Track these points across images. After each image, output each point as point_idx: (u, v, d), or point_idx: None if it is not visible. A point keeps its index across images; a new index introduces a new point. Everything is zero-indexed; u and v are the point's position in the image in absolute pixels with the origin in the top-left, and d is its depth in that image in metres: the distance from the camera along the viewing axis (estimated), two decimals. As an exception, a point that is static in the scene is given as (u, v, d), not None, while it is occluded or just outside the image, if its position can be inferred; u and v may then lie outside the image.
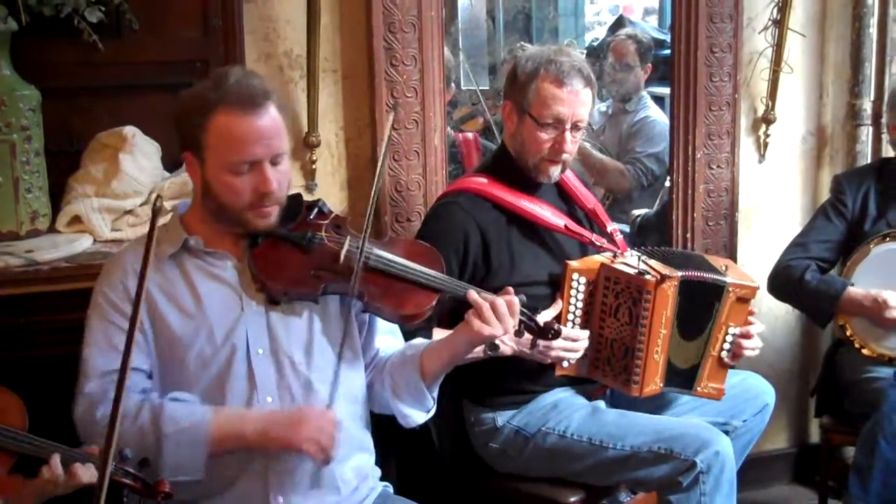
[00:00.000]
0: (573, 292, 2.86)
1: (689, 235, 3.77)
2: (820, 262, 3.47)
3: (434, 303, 2.44)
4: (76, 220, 2.95)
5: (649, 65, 5.13)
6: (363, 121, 3.34)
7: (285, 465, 2.32)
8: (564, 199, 3.07)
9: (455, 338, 2.48)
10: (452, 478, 3.10)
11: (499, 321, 2.40)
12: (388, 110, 3.25)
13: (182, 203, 2.49)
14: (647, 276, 2.80)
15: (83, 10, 2.84)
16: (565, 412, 2.90)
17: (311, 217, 2.45)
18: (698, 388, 2.96)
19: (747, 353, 2.96)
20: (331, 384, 2.32)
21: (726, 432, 2.90)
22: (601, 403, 2.98)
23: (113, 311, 2.30)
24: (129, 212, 3.00)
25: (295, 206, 2.41)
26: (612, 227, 3.05)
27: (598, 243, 2.95)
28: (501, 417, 2.93)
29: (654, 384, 2.88)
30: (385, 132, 2.48)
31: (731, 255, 3.78)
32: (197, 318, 2.32)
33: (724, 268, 2.96)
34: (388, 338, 2.59)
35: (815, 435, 4.14)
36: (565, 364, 2.87)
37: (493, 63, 7.03)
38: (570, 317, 2.86)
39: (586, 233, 2.97)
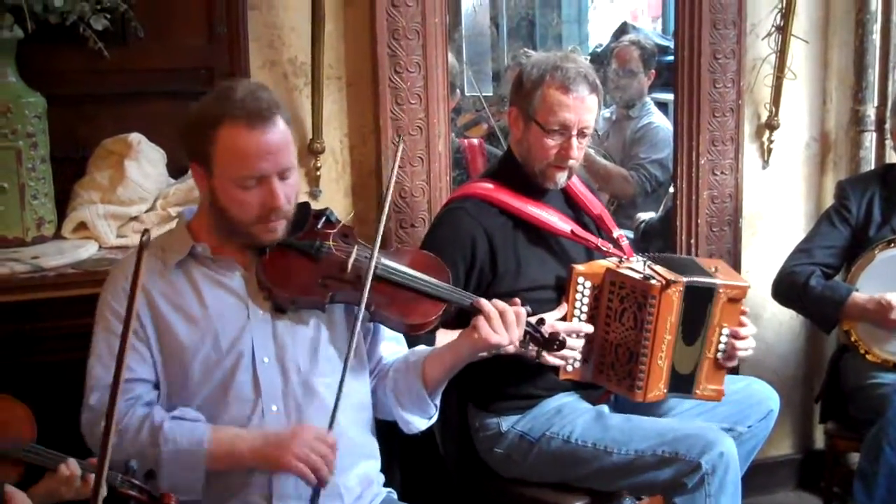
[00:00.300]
0: (578, 296, 2.86)
1: (692, 241, 3.77)
2: (824, 267, 3.47)
3: (440, 313, 2.45)
4: (82, 226, 2.96)
5: (653, 71, 5.13)
6: (367, 127, 3.34)
7: (289, 478, 2.31)
8: (570, 204, 3.08)
9: (459, 344, 2.48)
10: (456, 483, 3.10)
11: (506, 331, 2.41)
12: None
13: (188, 209, 2.49)
14: (653, 282, 2.80)
15: (89, 18, 2.85)
16: (569, 417, 2.90)
17: (319, 226, 2.45)
18: (697, 391, 2.96)
19: (740, 353, 2.96)
20: (335, 396, 2.30)
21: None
22: (605, 408, 2.98)
23: (116, 321, 2.30)
24: (135, 218, 3.01)
25: (302, 214, 2.42)
26: (618, 232, 3.06)
27: (604, 248, 2.95)
28: (506, 422, 2.93)
29: (657, 390, 2.88)
30: (393, 166, 2.48)
31: (735, 261, 3.79)
32: (202, 325, 2.32)
33: (713, 269, 2.96)
34: (392, 344, 2.60)
35: (819, 441, 4.14)
36: (569, 368, 2.88)
37: (497, 69, 7.03)
38: (575, 321, 2.86)
39: (592, 238, 2.97)
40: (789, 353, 4.08)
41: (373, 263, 2.35)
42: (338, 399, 2.29)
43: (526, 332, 2.48)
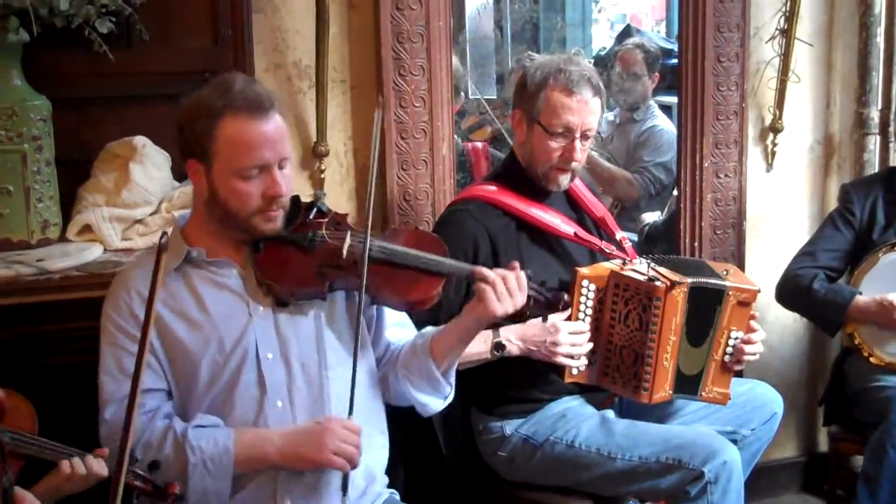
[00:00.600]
0: (583, 299, 2.86)
1: (696, 244, 3.77)
2: (828, 271, 3.47)
3: (441, 287, 2.44)
4: (86, 229, 2.96)
5: (657, 74, 5.15)
6: (371, 131, 3.34)
7: (296, 473, 2.32)
8: (573, 207, 3.08)
9: (465, 318, 2.48)
10: (460, 486, 3.10)
11: (510, 296, 2.41)
12: (396, 121, 3.27)
13: (181, 216, 2.50)
14: (657, 283, 2.81)
15: (94, 21, 2.86)
16: (574, 421, 2.90)
17: (311, 217, 2.45)
18: (703, 393, 2.96)
19: (748, 357, 2.96)
20: (349, 382, 2.32)
21: (734, 441, 2.90)
22: (610, 413, 2.98)
23: (120, 335, 2.31)
24: (139, 221, 3.01)
25: (293, 208, 2.42)
26: (620, 234, 3.06)
27: (607, 250, 2.96)
28: (510, 426, 2.94)
29: (663, 391, 2.88)
30: (375, 133, 2.49)
31: (739, 263, 3.78)
32: (206, 329, 2.32)
33: (725, 272, 2.96)
34: (398, 330, 2.60)
35: (823, 444, 4.13)
36: (575, 371, 2.88)
37: (501, 73, 7.05)
38: (579, 324, 2.87)
39: (595, 240, 2.98)
40: (793, 355, 4.08)
41: (366, 245, 2.34)
42: (353, 383, 2.31)
43: (529, 296, 2.48)
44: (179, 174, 3.11)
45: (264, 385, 2.33)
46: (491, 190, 2.97)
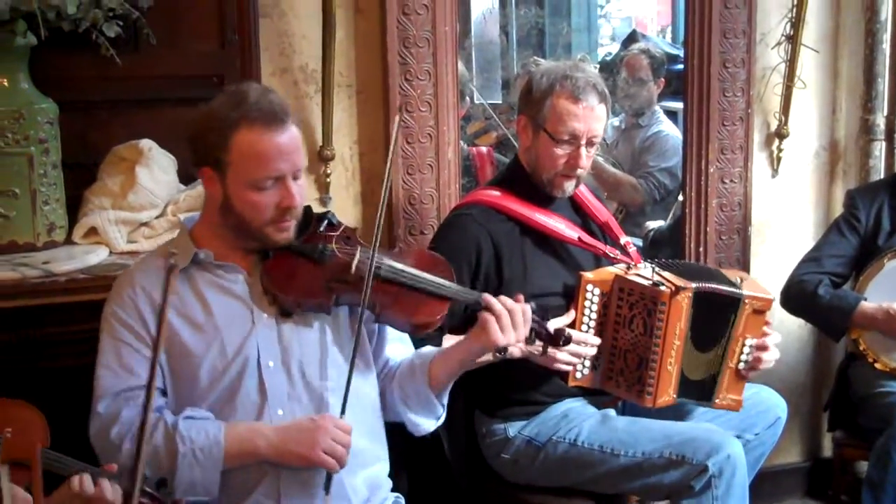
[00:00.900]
0: (587, 303, 2.87)
1: (702, 249, 3.77)
2: (833, 276, 3.47)
3: (446, 312, 2.45)
4: (92, 231, 2.97)
5: (662, 79, 5.15)
6: (377, 135, 3.36)
7: (297, 477, 2.33)
8: (578, 212, 3.08)
9: (466, 345, 2.49)
10: (464, 489, 3.10)
11: (513, 329, 2.42)
12: (401, 125, 3.28)
13: (188, 218, 2.50)
14: (662, 288, 2.81)
15: (101, 25, 2.86)
16: (576, 420, 2.90)
17: (321, 229, 2.46)
18: (717, 400, 2.96)
19: (764, 365, 2.96)
20: (342, 395, 2.32)
21: (738, 445, 2.91)
22: (611, 411, 2.98)
23: (123, 329, 2.32)
24: (145, 224, 3.01)
25: (304, 218, 2.42)
26: (625, 239, 3.06)
27: (612, 255, 2.96)
28: (512, 428, 2.94)
29: (667, 395, 2.88)
30: (392, 134, 2.49)
31: (745, 269, 3.78)
32: (208, 332, 2.33)
33: (739, 280, 2.96)
34: (398, 345, 2.60)
35: (827, 449, 4.13)
36: (579, 375, 2.88)
37: (507, 78, 7.05)
38: (584, 328, 2.87)
39: (600, 245, 2.98)
40: (797, 361, 4.08)
41: (372, 262, 2.35)
42: (349, 384, 2.31)
43: (532, 329, 2.48)
44: (185, 177, 3.12)
45: (265, 392, 2.33)
46: (495, 195, 2.97)
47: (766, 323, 2.98)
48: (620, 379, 2.90)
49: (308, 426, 2.29)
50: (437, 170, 3.37)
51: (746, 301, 2.90)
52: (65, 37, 2.84)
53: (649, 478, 2.80)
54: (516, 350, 2.69)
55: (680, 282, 2.84)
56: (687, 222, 3.79)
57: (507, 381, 2.90)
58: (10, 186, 2.82)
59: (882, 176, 3.93)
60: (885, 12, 3.88)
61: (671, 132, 4.97)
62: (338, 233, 2.46)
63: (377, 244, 2.38)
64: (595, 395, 2.99)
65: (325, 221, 2.47)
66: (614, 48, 7.14)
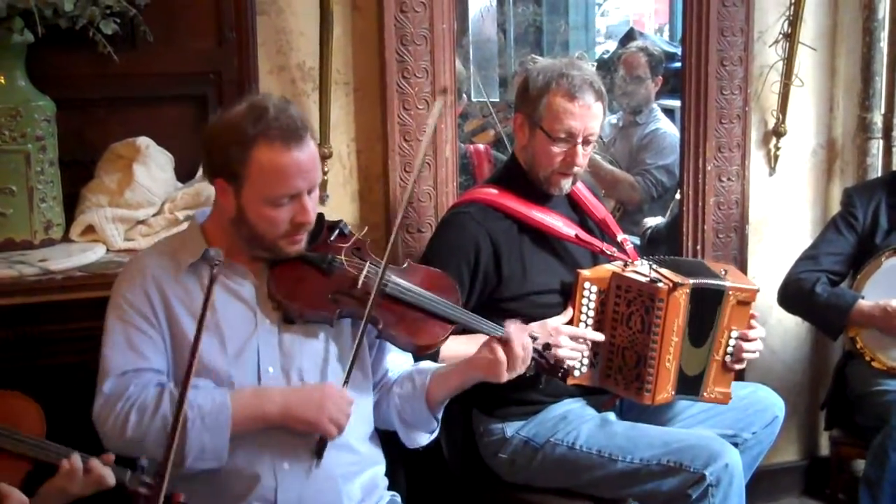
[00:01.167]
0: (585, 301, 2.87)
1: (699, 247, 3.77)
2: (830, 274, 3.47)
3: (448, 334, 2.47)
4: (89, 229, 2.97)
5: (660, 77, 5.15)
6: (374, 133, 3.35)
7: (294, 483, 2.33)
8: (575, 209, 3.09)
9: (467, 369, 2.50)
10: (461, 488, 3.10)
11: (518, 367, 2.45)
12: (399, 123, 3.27)
13: (200, 212, 2.50)
14: (660, 284, 2.81)
15: (98, 22, 2.86)
16: (574, 423, 2.90)
17: (332, 239, 2.46)
18: (705, 394, 2.97)
19: (747, 355, 2.97)
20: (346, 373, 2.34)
21: (736, 444, 2.90)
22: (611, 415, 2.98)
23: (134, 314, 2.31)
24: (142, 222, 3.01)
25: (316, 225, 2.41)
26: (622, 236, 3.06)
27: (609, 252, 2.96)
28: (510, 428, 2.94)
29: (665, 392, 2.88)
30: (432, 118, 2.47)
31: (742, 267, 3.78)
32: (210, 329, 2.31)
33: (723, 272, 2.96)
34: (397, 356, 2.60)
35: (824, 448, 4.13)
36: (577, 373, 2.88)
37: (504, 75, 7.05)
38: (582, 325, 2.88)
39: (597, 242, 2.98)
40: (795, 359, 4.08)
41: (379, 280, 2.35)
42: (355, 356, 2.34)
43: (533, 359, 2.50)
44: (183, 175, 3.12)
45: None
46: (492, 193, 2.97)
47: (752, 315, 2.98)
48: (619, 377, 2.90)
49: (314, 393, 2.30)
50: (435, 168, 3.37)
51: (730, 292, 2.91)
52: (62, 34, 2.84)
53: (646, 484, 2.80)
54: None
55: (677, 278, 2.84)
56: (684, 220, 3.79)
57: (505, 382, 2.89)
58: (7, 184, 2.81)
59: (879, 174, 3.93)
60: (883, 10, 3.88)
61: (669, 130, 4.97)
62: (348, 244, 2.46)
63: (387, 261, 2.38)
64: (594, 394, 2.99)
65: (337, 231, 2.47)
66: (611, 46, 7.15)
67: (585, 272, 2.88)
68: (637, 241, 4.45)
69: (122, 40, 2.96)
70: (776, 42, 3.77)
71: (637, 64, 5.12)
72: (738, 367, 2.99)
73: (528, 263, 2.92)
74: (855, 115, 3.97)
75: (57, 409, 2.30)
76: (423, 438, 2.57)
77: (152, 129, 3.07)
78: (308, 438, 2.33)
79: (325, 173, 3.31)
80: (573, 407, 2.97)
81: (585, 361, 2.89)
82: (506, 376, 2.44)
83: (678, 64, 4.30)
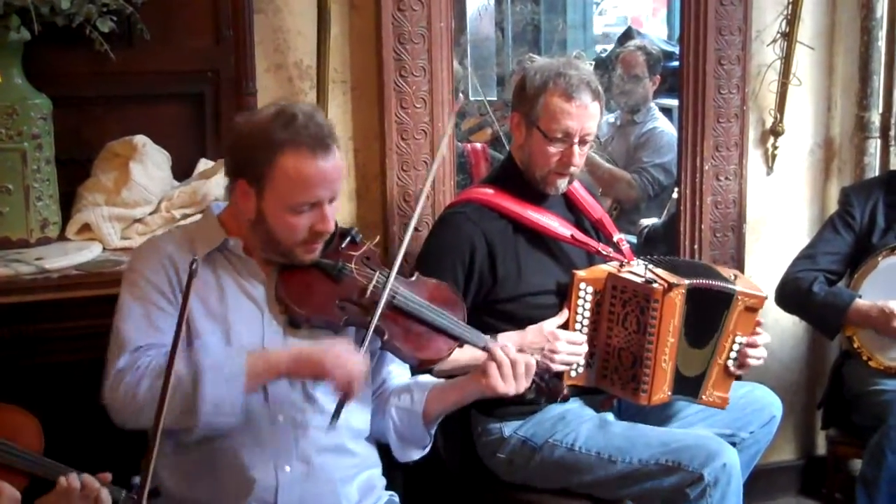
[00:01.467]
0: (580, 302, 2.87)
1: (696, 247, 3.77)
2: (828, 274, 3.47)
3: (453, 350, 2.47)
4: (86, 228, 2.96)
5: (658, 76, 5.14)
6: (372, 132, 3.35)
7: (294, 486, 2.32)
8: (571, 209, 3.08)
9: (465, 386, 2.50)
10: (459, 488, 3.10)
11: (514, 381, 2.43)
12: (396, 122, 3.27)
13: (216, 204, 2.50)
14: (655, 285, 2.81)
15: (95, 20, 2.86)
16: (573, 424, 2.90)
17: (343, 246, 2.45)
18: (703, 397, 2.96)
19: (752, 362, 2.96)
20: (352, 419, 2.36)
21: (733, 444, 2.90)
22: (609, 415, 2.98)
23: (152, 289, 2.29)
24: (139, 220, 3.01)
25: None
26: (618, 236, 3.06)
27: (604, 252, 2.96)
28: (508, 428, 2.93)
29: (662, 392, 2.88)
30: (447, 126, 2.46)
31: (739, 266, 3.78)
32: (218, 321, 2.32)
33: (732, 277, 2.97)
34: (397, 366, 2.60)
35: (821, 447, 4.13)
36: (573, 374, 2.88)
37: (502, 74, 7.05)
38: (578, 326, 2.87)
39: (593, 242, 2.98)
40: (792, 359, 4.08)
41: (386, 291, 2.35)
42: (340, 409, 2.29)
43: (533, 381, 2.49)
44: (180, 173, 3.11)
45: (267, 398, 2.32)
46: (488, 193, 2.97)
47: (758, 322, 2.98)
48: (615, 377, 2.89)
49: (324, 344, 2.29)
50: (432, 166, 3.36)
51: (739, 297, 2.90)
52: (58, 32, 2.84)
53: (645, 484, 2.80)
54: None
55: (673, 278, 2.84)
56: (681, 219, 3.79)
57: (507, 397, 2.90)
58: (4, 182, 2.81)
59: (877, 173, 3.92)
60: (881, 9, 3.88)
61: (666, 129, 4.97)
62: (359, 252, 2.46)
63: (395, 271, 2.39)
64: (591, 394, 2.98)
65: (349, 238, 2.47)
66: (609, 44, 7.15)
67: (581, 273, 2.88)
68: (633, 240, 4.45)
69: (118, 38, 2.96)
70: (774, 41, 3.77)
71: (635, 63, 5.12)
72: (740, 372, 2.98)
73: (524, 264, 2.91)
74: (853, 114, 3.97)
75: (52, 408, 2.30)
76: (416, 454, 2.56)
77: (149, 127, 3.07)
78: (310, 439, 2.33)
79: (322, 172, 3.31)
80: (571, 407, 2.96)
81: (582, 362, 2.89)
82: (502, 388, 2.41)
83: (676, 63, 4.29)
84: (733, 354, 2.95)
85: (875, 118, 3.94)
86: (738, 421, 3.02)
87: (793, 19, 3.70)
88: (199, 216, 2.51)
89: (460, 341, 2.47)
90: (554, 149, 2.86)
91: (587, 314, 2.88)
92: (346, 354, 2.25)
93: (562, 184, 2.93)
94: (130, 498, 2.07)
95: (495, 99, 6.47)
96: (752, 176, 3.84)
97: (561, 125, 2.84)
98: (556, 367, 2.81)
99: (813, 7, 3.84)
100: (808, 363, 4.12)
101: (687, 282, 2.84)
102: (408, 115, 3.31)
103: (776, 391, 3.16)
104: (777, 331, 3.95)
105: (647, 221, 4.71)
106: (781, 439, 3.94)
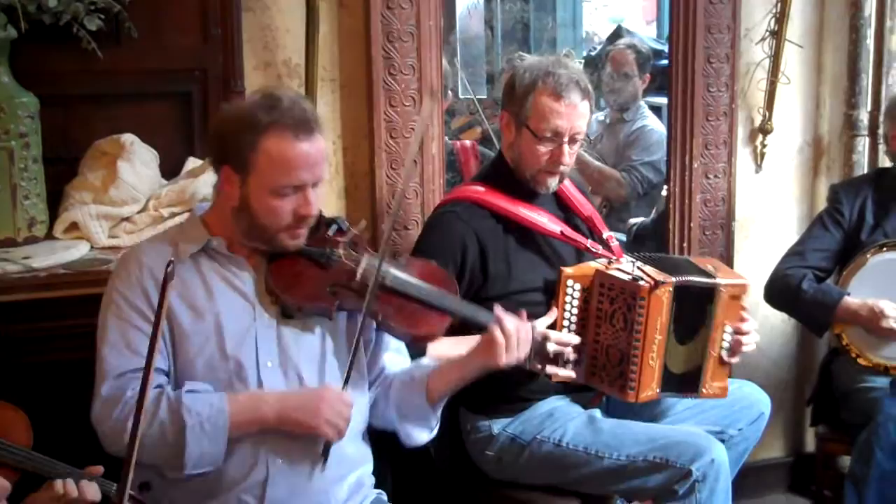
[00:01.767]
0: (568, 299, 2.86)
1: (685, 245, 3.78)
2: (817, 271, 3.47)
3: (447, 325, 2.47)
4: (73, 226, 2.95)
5: (647, 74, 5.15)
6: (361, 130, 3.34)
7: (284, 482, 2.32)
8: (561, 206, 3.08)
9: (468, 362, 2.51)
10: (448, 485, 3.10)
11: (517, 349, 2.45)
12: (385, 120, 3.27)
13: (199, 206, 2.50)
14: (641, 282, 2.80)
15: (82, 18, 2.85)
16: (561, 420, 2.90)
17: (330, 233, 2.46)
18: (704, 390, 2.96)
19: (746, 348, 2.96)
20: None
21: (722, 441, 2.90)
22: (597, 412, 2.98)
23: (130, 310, 2.29)
24: (127, 219, 3.00)
25: (313, 221, 2.42)
26: (607, 233, 3.06)
27: (593, 249, 2.96)
28: (497, 425, 2.93)
29: (650, 389, 2.88)
30: (423, 118, 2.48)
31: (728, 264, 3.78)
32: (208, 320, 2.32)
33: (712, 269, 2.96)
34: (394, 355, 2.60)
35: (810, 444, 4.14)
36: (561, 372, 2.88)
37: (492, 72, 7.05)
38: (566, 323, 2.87)
39: (582, 239, 2.97)
40: (781, 356, 4.09)
41: (377, 271, 2.35)
42: (354, 355, 2.34)
43: (532, 348, 2.50)
44: (167, 172, 3.11)
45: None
46: (479, 191, 2.96)
47: (743, 308, 2.98)
48: (603, 374, 2.89)
49: (312, 396, 2.30)
50: (422, 165, 3.36)
51: (723, 289, 2.90)
52: (45, 30, 2.83)
53: (633, 480, 2.80)
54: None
55: (660, 276, 2.84)
56: (671, 217, 3.80)
57: (493, 378, 2.88)
58: (-9, 181, 2.81)
59: (865, 171, 3.93)
60: (869, 8, 3.88)
61: (656, 127, 4.97)
62: (346, 238, 2.47)
63: (384, 253, 2.39)
64: (579, 390, 2.98)
65: (335, 226, 2.48)
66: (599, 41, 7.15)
67: (569, 269, 2.88)
68: (623, 238, 4.45)
69: (106, 36, 2.94)
70: (763, 39, 3.78)
71: (625, 61, 5.12)
72: (734, 360, 2.98)
73: (513, 262, 2.91)
74: (841, 112, 3.98)
75: (41, 407, 2.29)
76: (423, 435, 2.55)
77: (137, 125, 3.06)
78: (306, 439, 2.32)
79: (311, 170, 3.30)
80: (559, 404, 2.96)
81: (571, 359, 2.89)
82: (504, 359, 2.43)
83: (665, 61, 4.30)
84: (725, 344, 2.95)
85: (863, 116, 3.94)
86: (726, 418, 3.02)
87: (781, 17, 3.71)
88: (186, 215, 2.50)
89: (454, 315, 2.48)
90: (544, 148, 2.86)
91: (575, 311, 2.87)
92: (330, 407, 2.28)
93: (552, 182, 2.93)
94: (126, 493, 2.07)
95: (485, 97, 6.48)
96: (741, 174, 3.85)
97: (550, 124, 2.84)
98: (554, 371, 2.81)
99: (801, 5, 3.85)
100: (796, 360, 4.13)
101: (674, 279, 2.84)
102: (396, 114, 3.30)
103: (765, 388, 3.16)
104: (766, 328, 3.95)
105: (636, 220, 4.72)
106: (770, 436, 3.95)
